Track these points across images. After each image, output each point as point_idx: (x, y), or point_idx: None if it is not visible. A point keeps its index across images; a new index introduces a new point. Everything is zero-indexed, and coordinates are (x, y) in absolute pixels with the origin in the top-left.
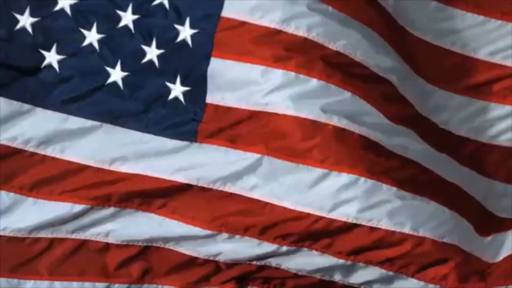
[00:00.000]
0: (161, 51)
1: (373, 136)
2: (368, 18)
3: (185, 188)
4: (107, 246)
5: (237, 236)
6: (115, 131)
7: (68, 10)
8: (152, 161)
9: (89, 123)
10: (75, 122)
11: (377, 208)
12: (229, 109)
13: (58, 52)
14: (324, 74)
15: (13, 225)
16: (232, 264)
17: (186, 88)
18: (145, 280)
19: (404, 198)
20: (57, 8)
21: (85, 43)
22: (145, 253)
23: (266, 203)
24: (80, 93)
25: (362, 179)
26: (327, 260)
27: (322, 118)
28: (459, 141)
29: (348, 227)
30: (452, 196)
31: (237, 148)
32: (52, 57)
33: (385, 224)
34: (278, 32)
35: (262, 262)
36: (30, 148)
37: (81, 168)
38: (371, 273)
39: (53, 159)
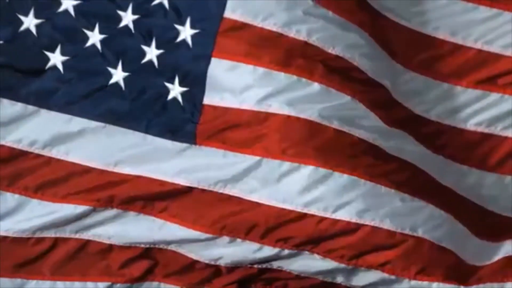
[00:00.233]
0: (161, 51)
1: (372, 139)
2: (362, 21)
3: (186, 191)
4: (110, 248)
5: (238, 240)
6: (118, 132)
7: (71, 11)
8: (153, 163)
9: (93, 123)
10: (79, 123)
11: (378, 209)
12: (228, 111)
13: (63, 53)
14: (325, 78)
15: (17, 226)
16: (233, 268)
17: (184, 89)
18: (147, 278)
19: (404, 200)
20: (61, 9)
21: (88, 43)
22: (148, 254)
23: (267, 205)
24: (83, 94)
25: (362, 181)
26: (329, 264)
27: (323, 121)
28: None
29: (351, 229)
30: (447, 198)
31: (237, 150)
32: (56, 58)
33: (386, 225)
34: (279, 35)
35: (264, 265)
36: (35, 150)
37: (85, 170)
38: (373, 275)
39: (58, 160)
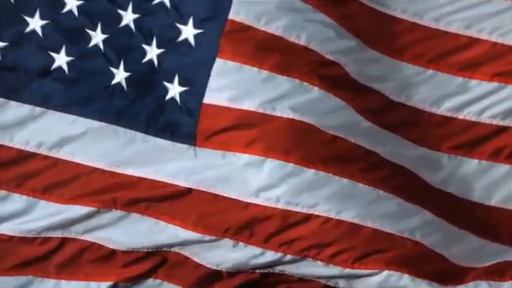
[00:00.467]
0: (161, 50)
1: (367, 145)
2: (361, 25)
3: (186, 193)
4: (113, 252)
5: (241, 244)
6: (121, 132)
7: (75, 11)
8: (155, 165)
9: (96, 124)
10: (83, 123)
11: (377, 212)
12: (229, 111)
13: (67, 54)
14: (324, 84)
15: (24, 226)
16: (234, 273)
17: (184, 88)
18: (150, 276)
19: (400, 205)
20: (66, 10)
21: (91, 44)
22: (151, 255)
23: (268, 207)
24: (87, 94)
25: (360, 185)
26: (332, 270)
27: (322, 126)
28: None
29: (353, 230)
30: (440, 202)
31: (237, 151)
32: (61, 59)
33: (387, 227)
34: (281, 39)
35: (265, 270)
36: (43, 151)
37: (90, 171)
38: (374, 279)
39: (65, 162)
